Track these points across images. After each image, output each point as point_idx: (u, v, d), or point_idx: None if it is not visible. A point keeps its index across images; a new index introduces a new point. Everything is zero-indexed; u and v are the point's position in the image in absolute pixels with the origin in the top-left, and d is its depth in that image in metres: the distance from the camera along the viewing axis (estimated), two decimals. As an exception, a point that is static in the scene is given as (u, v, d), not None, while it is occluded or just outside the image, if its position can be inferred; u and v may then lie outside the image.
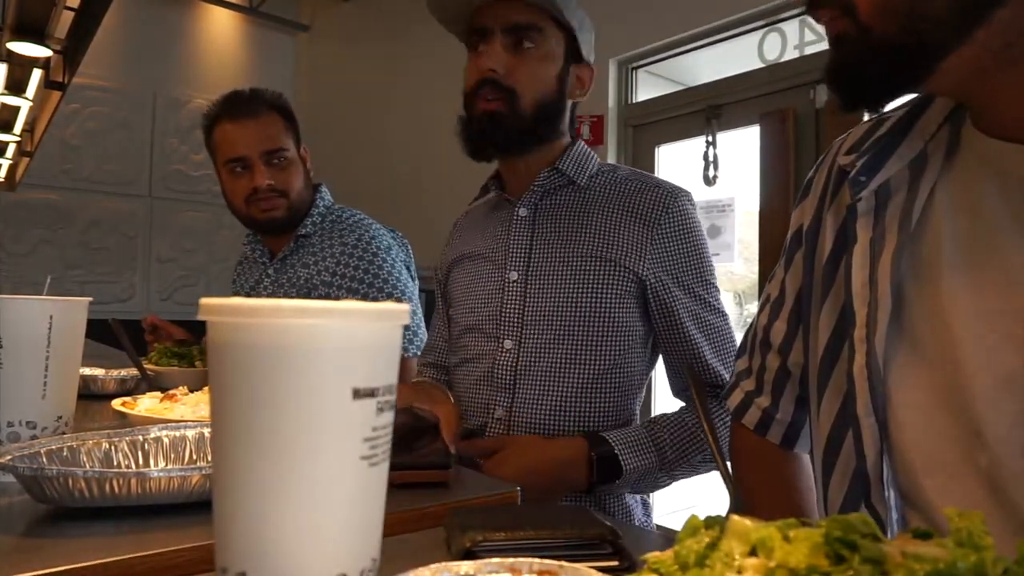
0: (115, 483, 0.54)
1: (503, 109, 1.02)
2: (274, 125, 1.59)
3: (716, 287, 1.06)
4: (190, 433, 0.73)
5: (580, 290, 1.01)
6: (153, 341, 1.68)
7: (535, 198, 1.09)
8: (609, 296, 1.00)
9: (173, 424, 0.75)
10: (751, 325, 0.82)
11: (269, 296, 1.64)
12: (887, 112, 0.65)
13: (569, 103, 1.10)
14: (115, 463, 0.67)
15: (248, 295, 1.71)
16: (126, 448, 0.69)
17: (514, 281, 1.06)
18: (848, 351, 0.60)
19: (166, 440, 0.72)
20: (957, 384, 0.53)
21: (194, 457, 0.71)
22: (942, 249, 0.56)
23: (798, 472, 0.78)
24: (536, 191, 1.08)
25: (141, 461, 0.69)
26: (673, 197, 1.04)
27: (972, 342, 0.52)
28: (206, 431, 0.74)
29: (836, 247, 0.65)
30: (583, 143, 1.13)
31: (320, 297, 1.55)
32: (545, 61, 1.05)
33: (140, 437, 0.71)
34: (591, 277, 1.01)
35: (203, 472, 0.58)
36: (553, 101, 1.06)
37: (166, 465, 0.69)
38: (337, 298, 1.50)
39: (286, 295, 1.60)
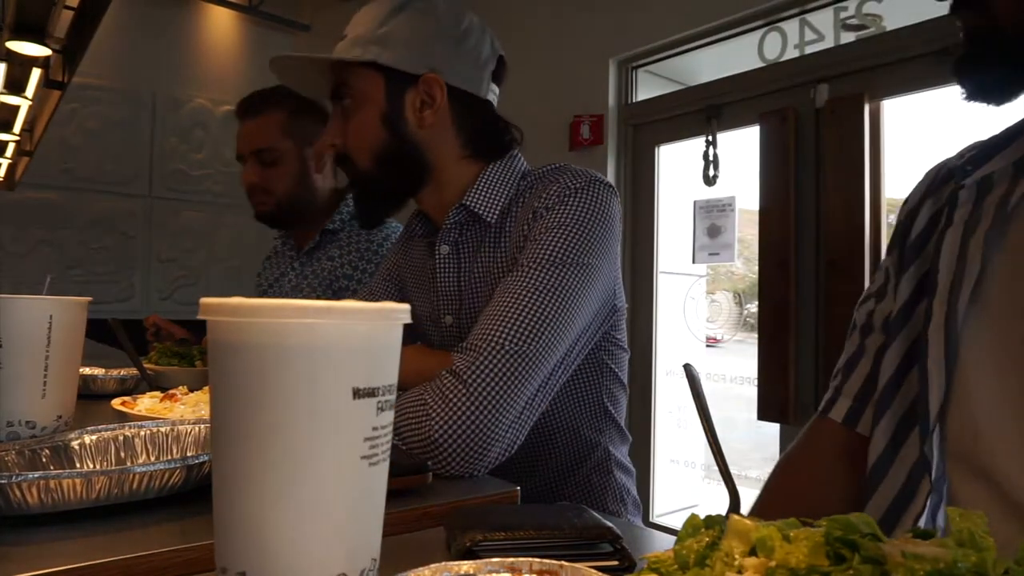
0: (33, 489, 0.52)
1: (352, 177, 1.00)
2: (270, 124, 1.61)
3: (561, 266, 0.87)
4: (164, 428, 0.73)
5: None
6: (155, 340, 1.69)
7: (453, 235, 1.01)
8: None
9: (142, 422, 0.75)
10: (846, 339, 0.79)
11: (292, 288, 1.67)
12: (996, 134, 0.69)
13: (431, 129, 0.98)
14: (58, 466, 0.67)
15: (270, 287, 1.75)
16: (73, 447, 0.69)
17: (449, 326, 1.03)
18: (924, 315, 0.65)
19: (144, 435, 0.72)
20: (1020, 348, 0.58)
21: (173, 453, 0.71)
22: None
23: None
24: (451, 229, 1.00)
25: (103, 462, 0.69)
26: (572, 190, 0.93)
27: None
28: (180, 427, 0.74)
29: (928, 227, 0.71)
30: (496, 167, 1.00)
31: (341, 289, 1.57)
32: (359, 110, 0.97)
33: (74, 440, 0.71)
34: None
35: (138, 471, 0.57)
36: (392, 145, 0.97)
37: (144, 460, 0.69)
38: (358, 291, 1.52)
39: (309, 286, 1.62)
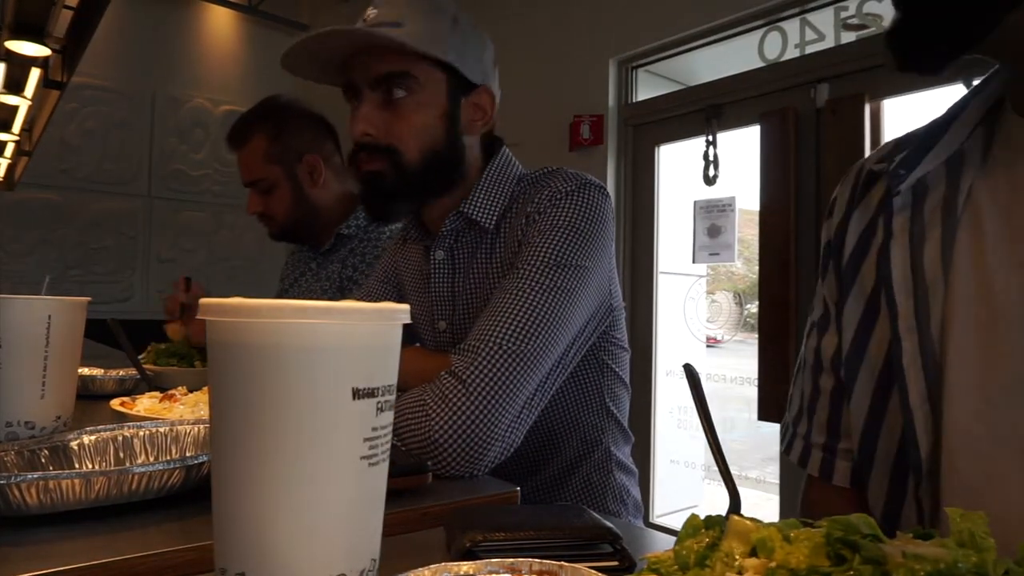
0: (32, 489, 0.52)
1: (385, 169, 0.94)
2: (254, 155, 1.60)
3: (556, 268, 0.88)
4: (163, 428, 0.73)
5: None
6: (183, 303, 1.62)
7: (449, 241, 1.01)
8: None
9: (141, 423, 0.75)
10: (795, 370, 0.77)
11: (307, 289, 1.69)
12: (913, 130, 0.67)
13: (471, 137, 1.00)
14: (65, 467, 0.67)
15: (291, 286, 1.77)
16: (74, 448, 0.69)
17: (443, 331, 1.03)
18: (886, 345, 0.60)
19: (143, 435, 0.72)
20: (1009, 365, 0.54)
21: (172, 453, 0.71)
22: (987, 237, 0.57)
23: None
24: (447, 235, 1.00)
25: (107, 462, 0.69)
26: (564, 193, 0.93)
27: (1018, 323, 0.54)
28: (161, 428, 0.74)
29: (860, 245, 0.66)
30: (491, 172, 1.00)
31: (348, 291, 1.58)
32: (423, 107, 0.95)
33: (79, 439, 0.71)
34: None
35: (138, 472, 0.57)
36: (444, 147, 0.96)
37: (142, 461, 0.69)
38: (353, 292, 1.52)
39: (320, 288, 1.64)
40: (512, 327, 0.83)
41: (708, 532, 0.34)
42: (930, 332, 0.58)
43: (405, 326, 0.39)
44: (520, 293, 0.85)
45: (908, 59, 0.57)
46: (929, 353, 0.58)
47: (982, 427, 0.55)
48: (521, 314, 0.84)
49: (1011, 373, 0.54)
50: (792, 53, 2.52)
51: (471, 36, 0.99)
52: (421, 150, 0.95)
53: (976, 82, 0.64)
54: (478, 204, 0.98)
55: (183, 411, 0.92)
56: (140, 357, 1.31)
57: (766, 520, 0.33)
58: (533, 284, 0.86)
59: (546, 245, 0.89)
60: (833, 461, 0.70)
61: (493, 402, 0.79)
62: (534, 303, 0.85)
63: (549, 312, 0.85)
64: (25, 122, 2.57)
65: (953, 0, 0.53)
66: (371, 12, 0.95)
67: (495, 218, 0.98)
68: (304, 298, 1.66)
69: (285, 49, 0.95)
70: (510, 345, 0.82)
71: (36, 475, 0.51)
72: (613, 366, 1.05)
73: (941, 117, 0.64)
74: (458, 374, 0.80)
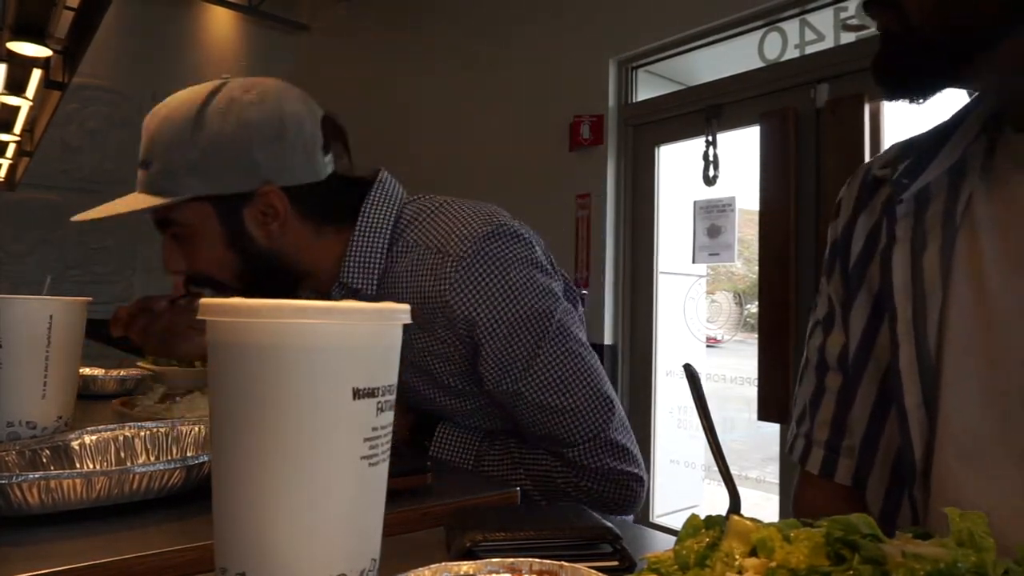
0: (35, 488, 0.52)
1: (223, 292, 0.92)
2: None
3: (542, 330, 0.87)
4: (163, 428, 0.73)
5: (442, 395, 0.93)
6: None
7: None
8: (468, 380, 0.91)
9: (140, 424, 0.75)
10: (800, 372, 0.77)
11: None
12: (918, 135, 0.68)
13: (287, 237, 0.90)
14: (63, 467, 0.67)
15: None
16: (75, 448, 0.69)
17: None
18: (889, 346, 0.61)
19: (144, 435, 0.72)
20: (1005, 372, 0.55)
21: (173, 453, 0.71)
22: (983, 246, 0.58)
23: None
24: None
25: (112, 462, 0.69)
26: (473, 261, 0.86)
27: (1017, 329, 0.55)
28: (156, 428, 0.74)
29: (867, 247, 0.67)
30: (357, 236, 0.91)
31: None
32: (203, 240, 0.90)
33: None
34: (445, 391, 0.92)
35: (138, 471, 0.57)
36: (252, 265, 0.91)
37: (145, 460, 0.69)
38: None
39: None
40: (581, 405, 0.87)
41: (708, 532, 0.34)
42: (927, 338, 0.59)
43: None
44: (554, 372, 0.87)
45: (894, 89, 0.59)
46: (925, 358, 0.59)
47: (977, 432, 0.56)
48: (576, 390, 0.87)
49: (1007, 379, 0.55)
50: (792, 53, 2.52)
51: (231, 134, 0.86)
52: (228, 275, 0.92)
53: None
54: (355, 272, 0.91)
55: (184, 411, 0.92)
56: (139, 361, 1.31)
57: (766, 520, 0.34)
58: (548, 356, 0.87)
59: (512, 322, 0.85)
60: (836, 459, 0.70)
61: (627, 451, 0.90)
62: (570, 372, 0.87)
63: (582, 364, 0.88)
64: (26, 122, 2.57)
65: (926, 39, 0.55)
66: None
67: (375, 283, 0.91)
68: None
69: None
70: (598, 419, 0.88)
71: (37, 475, 0.52)
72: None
73: (944, 123, 0.65)
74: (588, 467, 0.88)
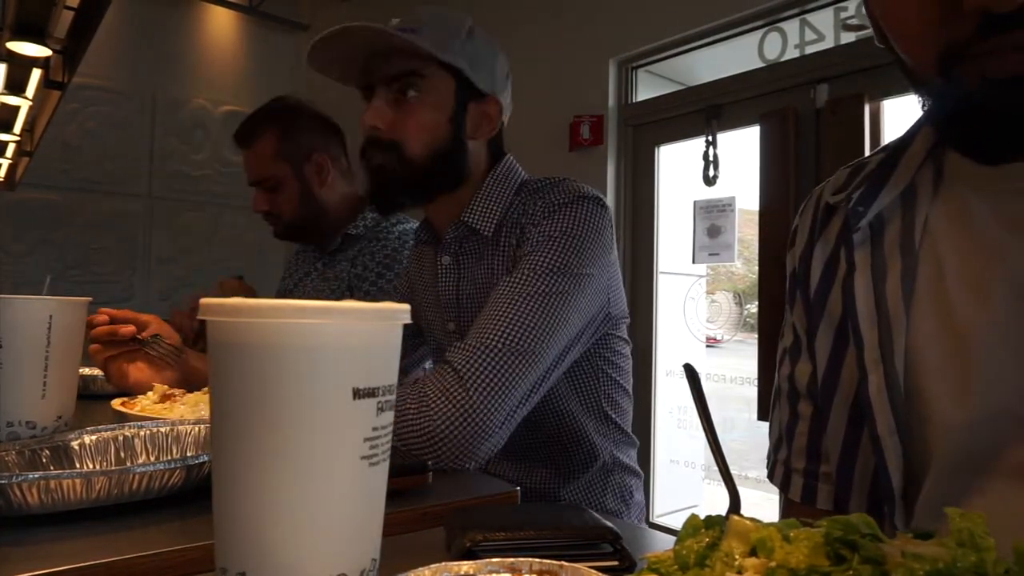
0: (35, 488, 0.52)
1: (389, 163, 1.00)
2: (263, 152, 1.61)
3: (552, 274, 0.90)
4: (164, 428, 0.73)
5: None
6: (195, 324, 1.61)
7: (453, 247, 1.06)
8: None
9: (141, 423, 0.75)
10: (772, 399, 0.77)
11: (313, 289, 1.69)
12: (865, 158, 0.68)
13: (476, 143, 1.04)
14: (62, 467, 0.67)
15: (295, 286, 1.77)
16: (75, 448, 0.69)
17: (452, 332, 1.07)
18: (857, 374, 0.61)
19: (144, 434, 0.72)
20: (981, 396, 0.54)
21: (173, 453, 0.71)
22: (945, 271, 0.58)
23: None
24: (451, 242, 1.06)
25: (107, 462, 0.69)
26: (559, 205, 0.96)
27: (985, 351, 0.54)
28: (158, 428, 0.74)
29: (825, 275, 0.68)
30: (491, 181, 1.05)
31: (355, 289, 1.59)
32: (430, 108, 1.00)
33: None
34: None
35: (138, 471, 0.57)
36: (447, 147, 1.01)
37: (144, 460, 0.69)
38: (376, 298, 1.52)
39: (328, 287, 1.64)
40: (510, 327, 0.85)
41: (708, 532, 0.34)
42: (895, 365, 0.59)
43: (412, 325, 0.39)
44: (518, 296, 0.88)
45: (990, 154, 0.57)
46: (895, 386, 0.58)
47: (954, 455, 0.56)
48: (519, 315, 0.86)
49: (984, 403, 0.54)
50: (792, 53, 2.52)
51: (484, 48, 1.04)
52: (425, 148, 1.00)
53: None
54: (477, 213, 1.03)
55: (184, 411, 0.92)
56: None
57: (766, 520, 0.34)
58: (530, 288, 0.89)
59: (542, 252, 0.92)
60: (815, 485, 0.70)
61: (490, 397, 0.81)
62: (531, 305, 0.87)
63: (545, 314, 0.87)
64: (26, 122, 2.57)
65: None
66: (394, 21, 1.00)
67: (493, 226, 1.02)
68: (310, 298, 1.67)
69: (310, 45, 1.02)
70: (508, 343, 0.84)
71: (37, 475, 0.52)
72: (612, 374, 1.07)
73: (889, 145, 0.66)
74: (458, 370, 0.82)
